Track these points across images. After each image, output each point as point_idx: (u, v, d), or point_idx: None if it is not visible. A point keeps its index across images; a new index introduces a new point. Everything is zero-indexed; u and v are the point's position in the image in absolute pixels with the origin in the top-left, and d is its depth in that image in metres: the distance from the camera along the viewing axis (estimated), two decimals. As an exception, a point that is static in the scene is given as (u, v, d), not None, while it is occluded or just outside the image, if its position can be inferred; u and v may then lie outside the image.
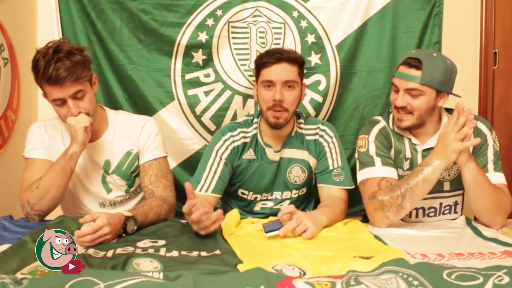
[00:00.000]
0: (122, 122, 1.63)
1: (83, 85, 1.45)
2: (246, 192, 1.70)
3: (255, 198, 1.70)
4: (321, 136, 1.65)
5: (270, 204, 1.71)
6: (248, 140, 1.64)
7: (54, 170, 1.44)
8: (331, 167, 1.62)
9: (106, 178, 1.60)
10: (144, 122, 1.63)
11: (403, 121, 1.48)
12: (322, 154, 1.64)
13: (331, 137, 1.65)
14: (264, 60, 1.53)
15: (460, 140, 1.31)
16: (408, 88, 1.44)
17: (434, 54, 1.47)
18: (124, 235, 1.29)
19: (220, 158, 1.60)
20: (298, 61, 1.55)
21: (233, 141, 1.62)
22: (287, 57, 1.52)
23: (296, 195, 1.70)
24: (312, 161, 1.66)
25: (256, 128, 1.65)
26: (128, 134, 1.61)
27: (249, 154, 1.63)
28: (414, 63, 1.43)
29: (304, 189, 1.70)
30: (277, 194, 1.69)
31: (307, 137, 1.65)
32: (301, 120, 1.68)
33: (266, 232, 1.30)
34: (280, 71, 1.51)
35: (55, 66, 1.37)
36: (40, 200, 1.42)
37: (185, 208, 1.22)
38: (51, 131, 1.58)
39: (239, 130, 1.64)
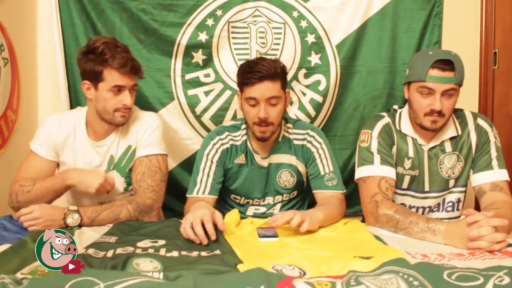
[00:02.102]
0: (130, 117, 1.61)
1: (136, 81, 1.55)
2: (238, 197, 1.72)
3: (247, 202, 1.72)
4: (309, 142, 1.65)
5: (262, 209, 1.72)
6: (238, 143, 1.66)
7: (47, 188, 1.46)
8: (322, 172, 1.62)
9: None
10: (146, 117, 1.63)
11: (437, 122, 1.46)
12: (311, 160, 1.64)
13: (320, 143, 1.65)
14: (246, 80, 1.53)
15: (474, 238, 1.17)
16: (445, 89, 1.43)
17: (453, 53, 1.46)
18: (67, 226, 1.36)
19: (212, 162, 1.63)
20: (279, 76, 1.54)
21: (222, 144, 1.65)
22: (269, 74, 1.50)
23: (288, 198, 1.72)
24: (301, 166, 1.66)
25: (245, 134, 1.66)
26: (131, 129, 1.60)
27: (240, 159, 1.66)
28: (446, 65, 1.42)
29: (295, 192, 1.73)
30: (269, 200, 1.71)
31: (295, 142, 1.66)
32: (289, 125, 1.68)
33: (260, 237, 1.31)
34: (263, 89, 1.51)
35: (127, 56, 1.47)
36: (28, 203, 1.42)
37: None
38: (63, 128, 1.57)
39: (226, 133, 1.66)
